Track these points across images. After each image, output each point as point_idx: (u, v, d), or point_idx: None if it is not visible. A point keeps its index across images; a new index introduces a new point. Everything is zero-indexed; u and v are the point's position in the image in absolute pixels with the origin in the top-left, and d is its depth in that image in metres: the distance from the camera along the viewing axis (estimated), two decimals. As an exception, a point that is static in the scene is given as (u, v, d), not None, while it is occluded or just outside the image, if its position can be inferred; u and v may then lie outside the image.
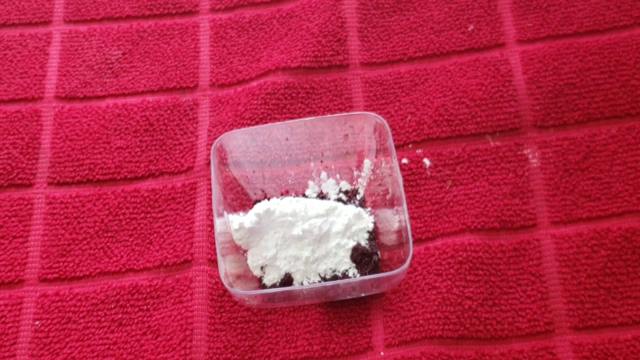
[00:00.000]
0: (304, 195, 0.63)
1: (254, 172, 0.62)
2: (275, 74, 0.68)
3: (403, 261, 0.55)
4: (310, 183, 0.63)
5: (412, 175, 0.64)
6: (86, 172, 0.66)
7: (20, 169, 0.66)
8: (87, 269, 0.62)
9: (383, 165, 0.61)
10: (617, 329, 0.57)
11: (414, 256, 0.60)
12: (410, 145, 0.65)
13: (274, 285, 0.58)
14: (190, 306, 0.59)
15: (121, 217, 0.64)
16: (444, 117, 0.65)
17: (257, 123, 0.66)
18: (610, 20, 0.68)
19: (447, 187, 0.63)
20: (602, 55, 0.67)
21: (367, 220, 0.60)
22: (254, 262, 0.59)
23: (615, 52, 0.67)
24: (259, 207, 0.59)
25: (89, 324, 0.60)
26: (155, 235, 0.63)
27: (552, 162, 0.63)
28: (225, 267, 0.57)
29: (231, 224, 0.59)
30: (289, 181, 0.63)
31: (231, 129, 0.63)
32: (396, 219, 0.59)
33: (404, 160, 0.64)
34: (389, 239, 0.60)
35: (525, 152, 0.64)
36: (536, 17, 0.70)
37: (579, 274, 0.59)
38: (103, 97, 0.69)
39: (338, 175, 0.63)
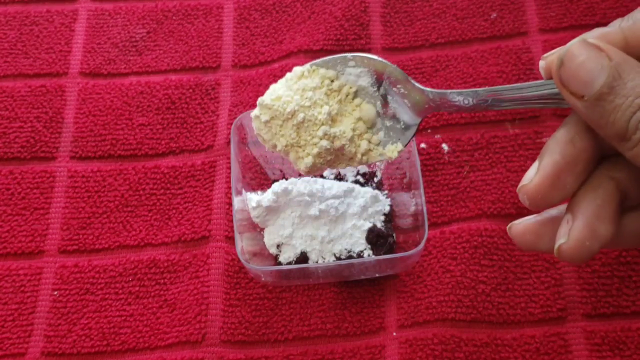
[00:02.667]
0: (321, 177, 0.63)
1: (273, 152, 0.63)
2: (297, 56, 0.69)
3: (418, 244, 0.55)
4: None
5: (430, 160, 0.64)
6: (108, 147, 0.67)
7: (44, 142, 0.67)
8: (106, 242, 0.63)
9: (401, 149, 0.62)
10: (630, 318, 0.57)
11: (429, 239, 0.60)
12: (429, 130, 0.65)
13: (289, 264, 0.59)
14: (207, 281, 0.60)
15: (141, 192, 0.65)
16: (464, 103, 0.66)
17: (277, 104, 0.66)
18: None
19: (465, 173, 0.63)
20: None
21: (383, 203, 0.61)
22: (270, 240, 0.60)
23: (638, 44, 0.67)
24: (277, 186, 0.60)
25: (107, 296, 0.60)
26: (174, 211, 0.64)
27: (570, 150, 0.63)
28: (242, 244, 0.57)
29: (249, 202, 0.60)
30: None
31: (252, 109, 0.63)
32: (413, 202, 0.59)
33: (423, 145, 0.64)
34: (405, 222, 0.60)
35: (544, 140, 0.64)
36: (559, 7, 0.70)
37: (594, 261, 0.59)
38: (126, 75, 0.70)
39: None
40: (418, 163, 0.58)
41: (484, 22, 0.70)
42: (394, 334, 0.58)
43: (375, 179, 0.63)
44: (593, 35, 0.35)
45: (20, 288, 0.61)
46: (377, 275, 0.59)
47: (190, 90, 0.69)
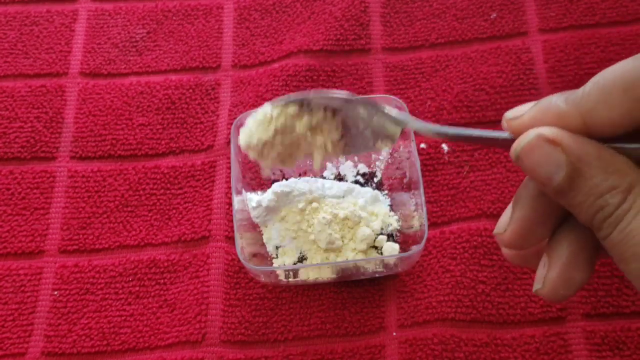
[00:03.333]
0: (321, 177, 0.63)
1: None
2: (297, 57, 0.69)
3: (418, 244, 0.56)
4: (328, 165, 0.63)
5: (429, 160, 0.64)
6: (108, 147, 0.67)
7: (44, 143, 0.67)
8: (106, 242, 0.63)
9: (401, 149, 0.62)
10: (630, 318, 0.57)
11: (429, 239, 0.60)
12: (429, 130, 0.65)
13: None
14: (207, 281, 0.60)
15: (141, 192, 0.65)
16: (464, 103, 0.66)
17: (277, 104, 0.66)
18: (632, 12, 0.68)
19: (465, 173, 0.63)
20: (624, 46, 0.67)
21: (383, 203, 0.61)
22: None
23: (637, 44, 0.67)
24: (277, 186, 0.60)
25: (107, 296, 0.61)
26: (174, 211, 0.64)
27: (570, 150, 0.63)
28: (242, 244, 0.57)
29: (249, 202, 0.60)
30: (308, 162, 0.63)
31: (252, 109, 0.64)
32: (412, 202, 0.59)
33: (422, 145, 0.64)
34: (405, 222, 0.60)
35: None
36: (559, 7, 0.70)
37: (593, 261, 0.59)
38: (127, 75, 0.70)
39: (356, 158, 0.63)
40: (418, 163, 0.58)
41: (484, 22, 0.70)
42: (394, 333, 0.58)
43: (375, 179, 0.63)
44: (549, 118, 0.33)
45: (21, 288, 0.61)
46: (377, 275, 0.59)
47: (190, 90, 0.69)
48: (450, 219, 0.62)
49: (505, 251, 0.39)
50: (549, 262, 0.35)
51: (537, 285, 0.36)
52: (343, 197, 0.60)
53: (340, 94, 0.45)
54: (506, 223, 0.36)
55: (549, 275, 0.35)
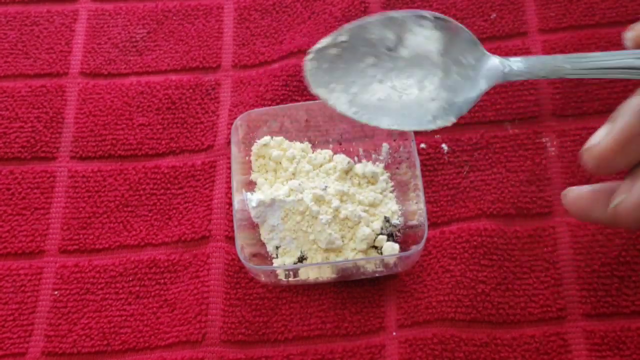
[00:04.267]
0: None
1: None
2: (297, 57, 0.69)
3: (418, 244, 0.56)
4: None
5: (429, 160, 0.64)
6: (108, 147, 0.67)
7: (44, 143, 0.67)
8: (106, 241, 0.63)
9: (401, 149, 0.62)
10: (629, 317, 0.57)
11: (429, 239, 0.60)
12: (428, 130, 0.65)
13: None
14: (207, 281, 0.60)
15: (141, 192, 0.65)
16: (464, 103, 0.66)
17: (277, 104, 0.66)
18: (632, 12, 0.68)
19: (465, 173, 0.63)
20: (624, 46, 0.67)
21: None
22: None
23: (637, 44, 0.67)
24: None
25: (107, 296, 0.61)
26: (174, 211, 0.64)
27: (569, 150, 0.63)
28: (242, 244, 0.57)
29: (249, 202, 0.60)
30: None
31: (252, 109, 0.64)
32: (412, 202, 0.59)
33: (422, 145, 0.64)
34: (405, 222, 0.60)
35: (543, 140, 0.64)
36: (559, 7, 0.70)
37: (593, 261, 0.59)
38: (127, 75, 0.70)
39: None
40: (418, 163, 0.58)
41: (483, 23, 0.70)
42: (394, 333, 0.58)
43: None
44: None
45: (21, 288, 0.61)
46: (377, 275, 0.59)
47: (191, 91, 0.69)
48: (450, 219, 0.62)
49: (572, 195, 0.36)
50: (632, 181, 0.33)
51: (617, 199, 0.34)
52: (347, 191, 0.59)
53: (426, 13, 0.41)
54: (601, 137, 0.34)
55: (635, 191, 0.33)
